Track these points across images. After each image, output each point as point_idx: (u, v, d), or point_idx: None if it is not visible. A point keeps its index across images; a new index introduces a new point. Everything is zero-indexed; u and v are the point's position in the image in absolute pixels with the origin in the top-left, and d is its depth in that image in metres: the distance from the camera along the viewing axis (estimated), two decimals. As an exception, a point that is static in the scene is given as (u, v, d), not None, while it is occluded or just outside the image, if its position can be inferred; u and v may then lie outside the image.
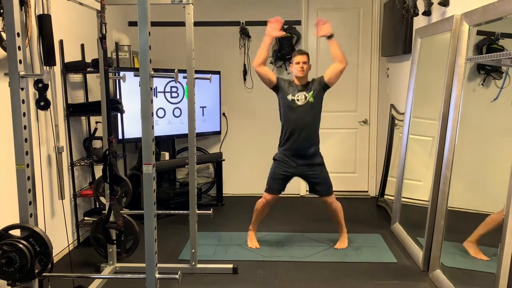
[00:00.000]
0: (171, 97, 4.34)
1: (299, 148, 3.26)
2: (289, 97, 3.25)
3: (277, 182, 3.35)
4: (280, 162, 3.33)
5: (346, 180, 4.98)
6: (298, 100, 3.23)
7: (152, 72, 1.75)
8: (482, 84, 2.77)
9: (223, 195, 4.72)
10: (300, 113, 3.24)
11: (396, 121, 4.23)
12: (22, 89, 1.67)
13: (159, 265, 1.94)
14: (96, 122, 3.70)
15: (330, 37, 3.20)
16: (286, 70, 4.70)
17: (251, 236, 3.51)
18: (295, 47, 4.66)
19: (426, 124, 3.39)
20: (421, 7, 3.46)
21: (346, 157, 4.95)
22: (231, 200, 4.76)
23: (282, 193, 3.48)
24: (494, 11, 2.39)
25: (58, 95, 3.17)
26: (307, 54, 3.29)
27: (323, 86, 3.27)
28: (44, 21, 2.81)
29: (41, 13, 2.84)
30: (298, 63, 3.25)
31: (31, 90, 2.04)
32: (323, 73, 3.29)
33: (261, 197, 3.42)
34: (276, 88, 3.32)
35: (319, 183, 3.34)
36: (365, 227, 3.93)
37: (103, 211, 2.77)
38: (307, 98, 3.23)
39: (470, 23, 2.70)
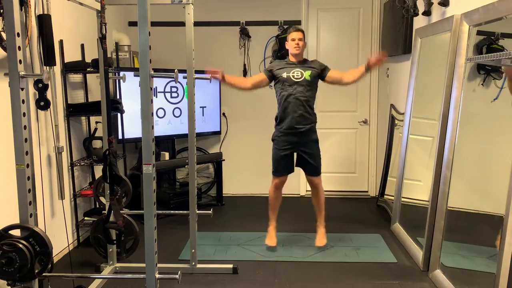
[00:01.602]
0: (171, 97, 4.34)
1: (295, 124, 3.24)
2: (285, 74, 3.25)
3: (281, 162, 3.34)
4: (278, 141, 3.33)
5: (346, 180, 4.98)
6: (294, 76, 3.23)
7: (152, 72, 1.75)
8: (482, 84, 2.77)
9: (223, 195, 4.71)
10: (296, 89, 3.22)
11: (396, 121, 4.23)
12: (22, 89, 1.66)
13: (159, 265, 1.94)
14: (96, 122, 3.70)
15: (369, 70, 3.15)
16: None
17: (270, 232, 3.47)
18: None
19: (426, 124, 3.39)
20: (421, 7, 3.46)
21: (346, 157, 4.95)
22: (231, 200, 4.76)
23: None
24: (494, 11, 2.39)
25: (58, 95, 3.17)
26: (302, 31, 3.30)
27: (321, 74, 3.28)
28: (44, 21, 2.81)
29: (41, 13, 2.84)
30: (293, 40, 3.25)
31: (31, 90, 2.04)
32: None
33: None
34: (271, 78, 3.34)
35: (310, 159, 3.32)
36: (365, 227, 3.93)
37: (103, 211, 2.77)
38: (304, 76, 3.23)
39: (470, 23, 2.70)
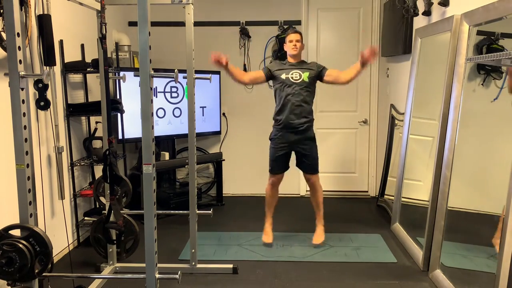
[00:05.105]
0: (171, 97, 4.34)
1: (292, 122, 3.28)
2: (283, 75, 3.30)
3: (277, 160, 3.39)
4: (275, 140, 3.37)
5: (346, 180, 4.98)
6: (292, 78, 3.28)
7: (152, 72, 1.75)
8: (482, 84, 2.77)
9: (223, 195, 4.71)
10: (294, 90, 3.27)
11: (396, 121, 4.23)
12: (22, 89, 1.67)
13: (159, 265, 1.94)
14: (96, 122, 3.70)
15: (364, 64, 3.16)
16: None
17: (267, 229, 3.53)
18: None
19: (426, 124, 3.39)
20: (421, 7, 3.46)
21: (346, 157, 4.95)
22: (231, 200, 4.76)
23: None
24: (494, 11, 2.39)
25: (58, 95, 3.17)
26: (300, 33, 3.38)
27: (319, 76, 3.33)
28: (44, 21, 2.81)
29: (41, 13, 2.84)
30: (291, 41, 3.34)
31: (31, 90, 2.04)
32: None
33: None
34: (269, 77, 3.38)
35: (307, 157, 3.35)
36: (365, 227, 3.93)
37: (103, 211, 2.77)
38: (302, 77, 3.28)
39: (470, 23, 2.70)
